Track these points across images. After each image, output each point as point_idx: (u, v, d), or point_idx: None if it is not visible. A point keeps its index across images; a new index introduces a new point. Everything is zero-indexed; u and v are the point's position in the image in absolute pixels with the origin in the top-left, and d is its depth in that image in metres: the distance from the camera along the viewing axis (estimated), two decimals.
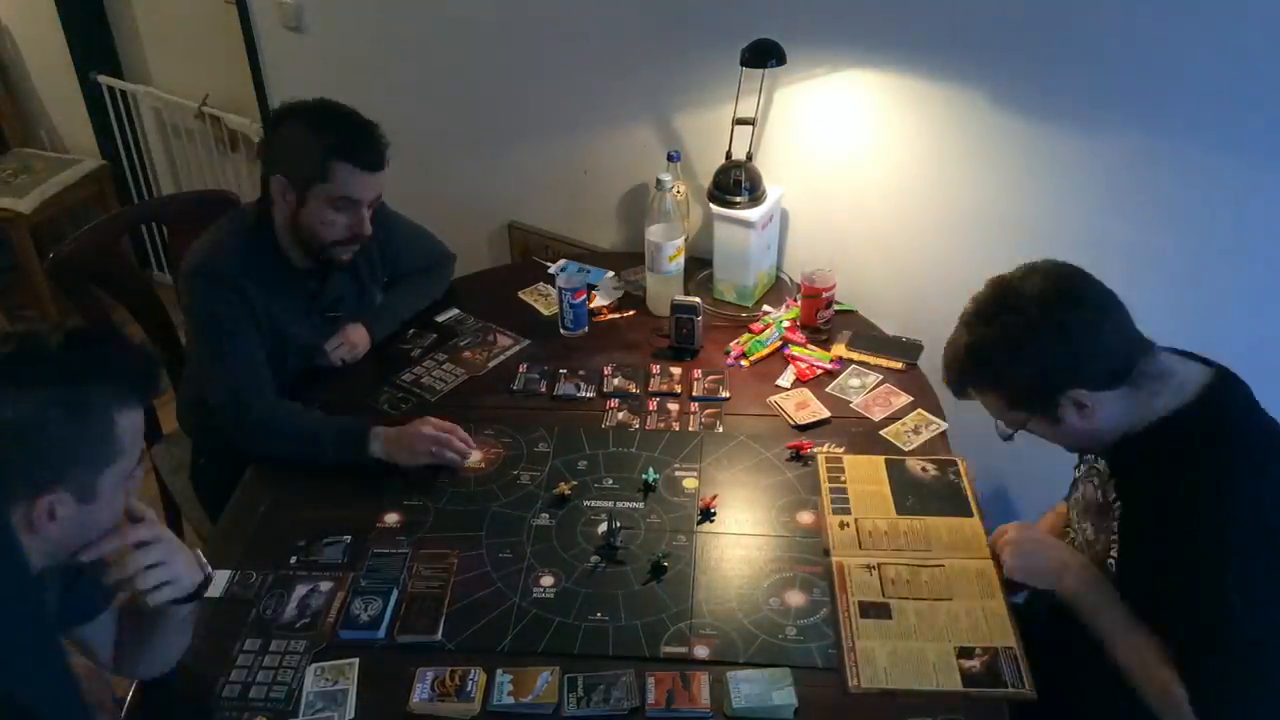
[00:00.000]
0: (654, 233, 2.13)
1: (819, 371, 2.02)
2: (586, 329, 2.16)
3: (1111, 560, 1.46)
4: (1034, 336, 1.37)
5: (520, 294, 2.29)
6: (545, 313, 2.23)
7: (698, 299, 2.08)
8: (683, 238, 2.16)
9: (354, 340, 2.04)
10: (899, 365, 2.02)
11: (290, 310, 1.93)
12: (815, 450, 1.82)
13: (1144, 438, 1.41)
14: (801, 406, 1.93)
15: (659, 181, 2.11)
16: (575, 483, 1.78)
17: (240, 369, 1.85)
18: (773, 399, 1.96)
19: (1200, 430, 1.38)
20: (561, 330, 2.15)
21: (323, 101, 1.87)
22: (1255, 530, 1.32)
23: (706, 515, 1.71)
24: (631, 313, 2.22)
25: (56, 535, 1.15)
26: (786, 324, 2.13)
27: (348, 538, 1.68)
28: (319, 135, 1.80)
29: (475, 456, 1.83)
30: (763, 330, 2.12)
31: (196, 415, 2.13)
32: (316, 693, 1.43)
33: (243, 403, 1.83)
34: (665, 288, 2.17)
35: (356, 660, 1.47)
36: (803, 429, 1.89)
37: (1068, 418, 1.40)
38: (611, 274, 2.32)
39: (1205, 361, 1.46)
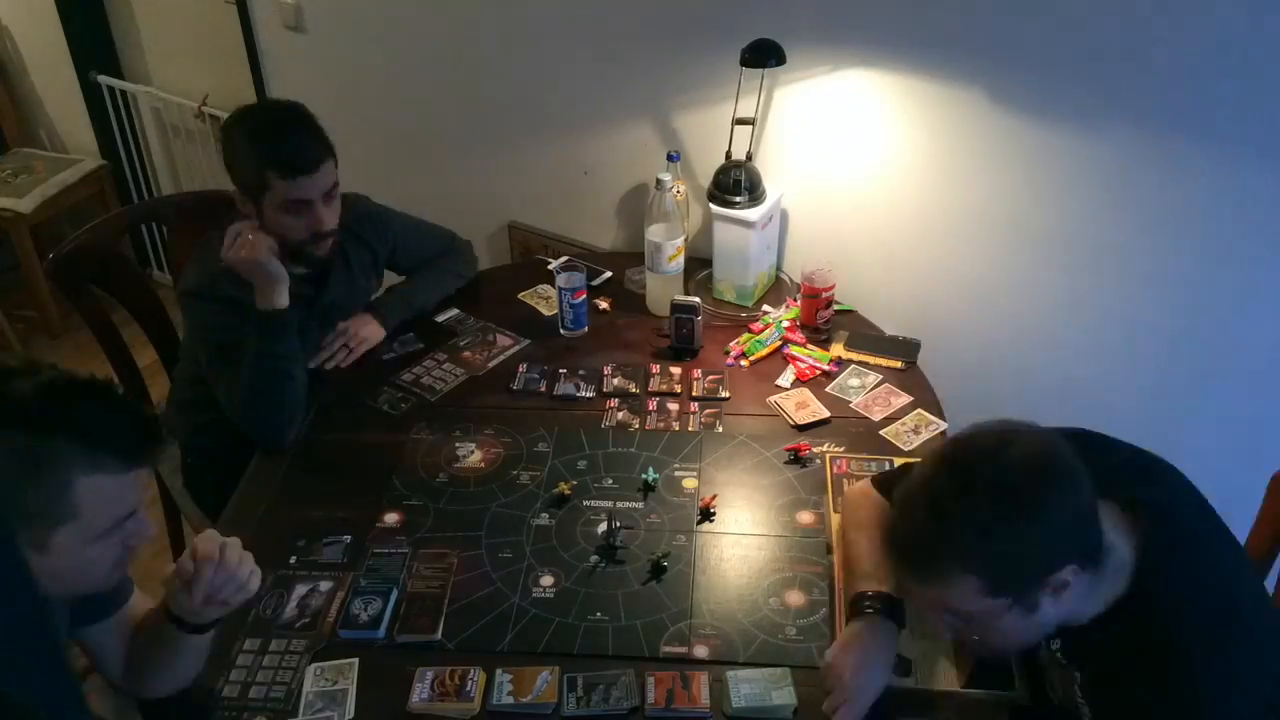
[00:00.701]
0: (654, 232, 2.13)
1: (819, 372, 2.02)
2: (586, 329, 2.16)
3: None
4: (1039, 504, 1.18)
5: (520, 295, 2.29)
6: (546, 313, 2.23)
7: (698, 299, 2.08)
8: (683, 238, 2.16)
9: (362, 335, 2.05)
10: (898, 364, 2.02)
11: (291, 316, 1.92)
12: (814, 451, 1.82)
13: (1095, 632, 1.26)
14: (801, 406, 1.93)
15: (659, 181, 2.11)
16: (575, 482, 1.78)
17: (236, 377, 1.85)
18: (772, 399, 1.96)
19: (1143, 630, 1.22)
20: (561, 330, 2.15)
21: (260, 106, 1.90)
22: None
23: (706, 515, 1.71)
24: (604, 301, 2.22)
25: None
26: (786, 324, 2.13)
27: (348, 537, 1.68)
28: (253, 146, 1.82)
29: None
30: (763, 330, 2.12)
31: (186, 416, 2.13)
32: (316, 693, 1.43)
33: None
34: (665, 288, 2.17)
35: (356, 660, 1.47)
36: (803, 429, 1.89)
37: (1044, 604, 1.22)
38: (608, 274, 2.33)
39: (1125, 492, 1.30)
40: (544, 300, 2.27)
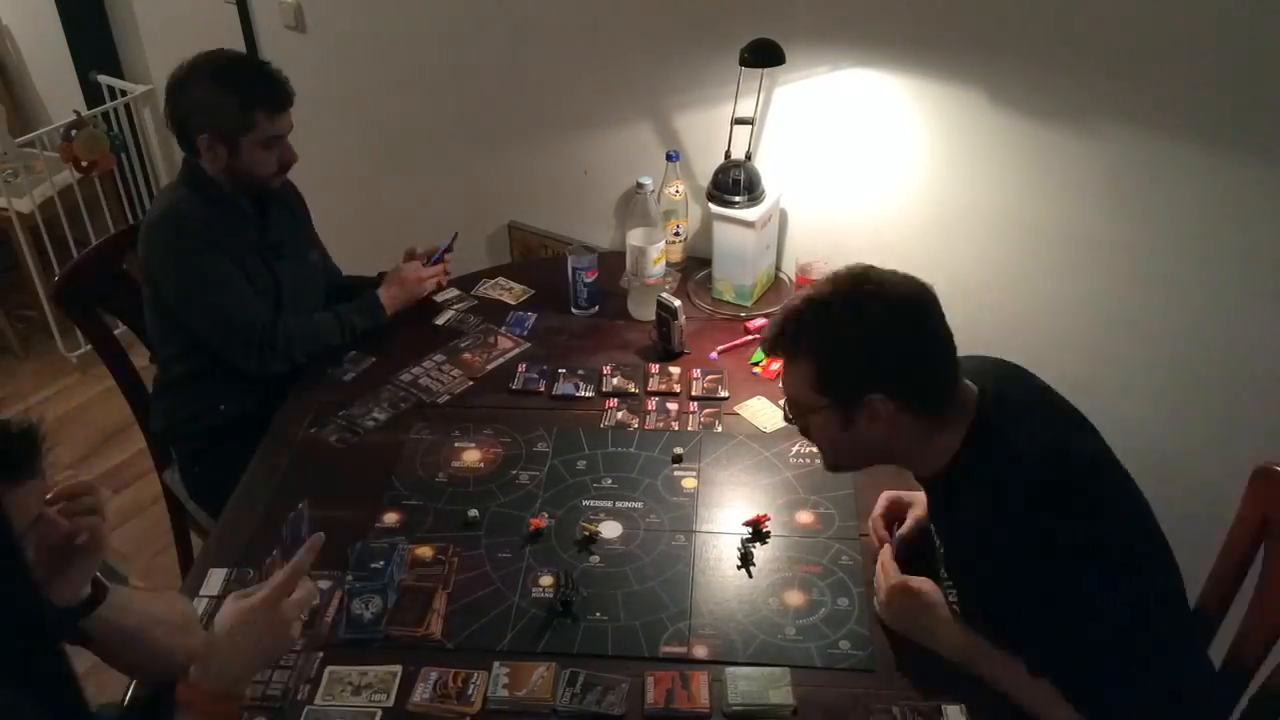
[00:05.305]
0: (635, 237, 2.13)
1: None
2: (598, 308, 2.20)
3: (953, 603, 1.48)
4: (889, 319, 1.35)
5: (474, 292, 2.31)
6: (510, 302, 2.28)
7: (678, 301, 2.05)
8: (664, 241, 2.17)
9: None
10: None
11: (241, 250, 2.02)
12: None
13: (939, 480, 1.45)
14: None
15: (638, 185, 2.11)
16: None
17: (234, 296, 1.98)
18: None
19: (973, 470, 1.38)
20: (574, 309, 2.19)
21: (219, 56, 1.98)
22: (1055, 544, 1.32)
23: (759, 535, 1.67)
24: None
25: None
26: None
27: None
28: (232, 91, 1.92)
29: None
30: (762, 329, 2.12)
31: (173, 421, 2.14)
32: (352, 687, 1.44)
33: (249, 323, 1.99)
34: (648, 293, 2.16)
35: (399, 669, 1.46)
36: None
37: (859, 423, 1.38)
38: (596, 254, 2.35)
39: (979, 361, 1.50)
40: (506, 291, 2.31)
